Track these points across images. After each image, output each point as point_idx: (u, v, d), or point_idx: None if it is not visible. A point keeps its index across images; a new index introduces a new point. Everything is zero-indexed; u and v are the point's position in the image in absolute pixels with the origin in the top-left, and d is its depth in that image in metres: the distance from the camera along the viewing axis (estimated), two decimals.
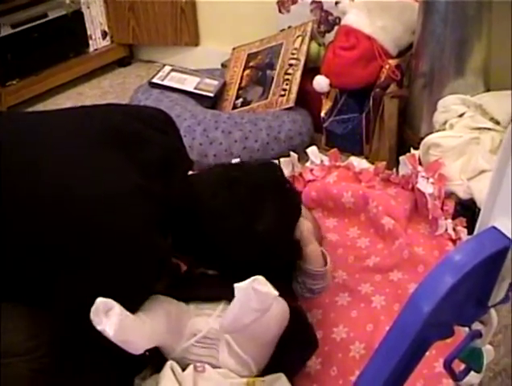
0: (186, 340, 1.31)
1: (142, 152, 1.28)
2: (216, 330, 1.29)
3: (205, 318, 1.32)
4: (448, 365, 0.96)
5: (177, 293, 1.35)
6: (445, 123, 2.00)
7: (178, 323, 1.30)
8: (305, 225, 1.48)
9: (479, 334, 0.98)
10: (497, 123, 1.95)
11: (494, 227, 0.89)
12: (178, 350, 1.30)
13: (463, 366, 1.01)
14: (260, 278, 1.18)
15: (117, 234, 1.18)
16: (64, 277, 1.17)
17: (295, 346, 1.36)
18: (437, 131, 2.02)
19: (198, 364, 1.29)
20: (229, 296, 1.25)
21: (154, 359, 1.32)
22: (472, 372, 1.02)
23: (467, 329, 0.98)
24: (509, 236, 0.87)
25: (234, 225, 1.35)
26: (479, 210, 1.74)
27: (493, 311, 0.97)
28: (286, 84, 2.49)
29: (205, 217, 1.37)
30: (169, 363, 1.29)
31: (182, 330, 1.31)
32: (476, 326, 0.97)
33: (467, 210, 1.80)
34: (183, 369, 1.29)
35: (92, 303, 1.12)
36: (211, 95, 2.63)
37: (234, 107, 2.62)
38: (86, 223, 1.16)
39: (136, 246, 1.19)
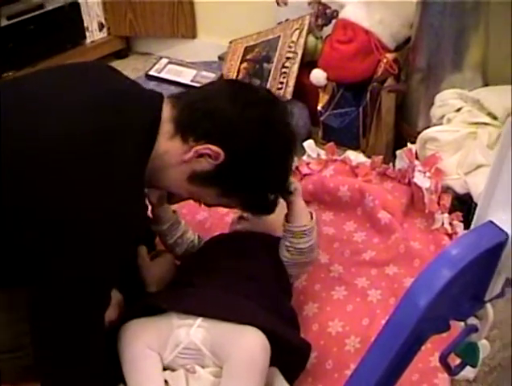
0: (170, 352, 1.33)
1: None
2: (196, 341, 1.32)
3: (186, 329, 1.33)
4: (443, 359, 0.96)
5: (160, 303, 1.38)
6: (442, 117, 2.00)
7: (162, 337, 1.34)
8: (298, 183, 1.52)
9: (475, 329, 0.98)
10: (495, 118, 1.94)
11: (491, 222, 0.89)
12: (164, 362, 1.33)
13: (458, 360, 1.01)
14: None
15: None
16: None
17: (286, 363, 1.38)
18: (434, 125, 2.01)
19: (188, 366, 1.30)
20: (207, 312, 1.32)
21: None
22: (467, 367, 1.02)
23: (463, 323, 0.98)
24: (506, 230, 0.87)
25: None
26: (475, 204, 1.76)
27: (489, 306, 0.97)
28: (284, 78, 2.48)
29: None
30: None
31: (166, 343, 1.33)
32: (472, 320, 0.97)
33: (463, 204, 1.80)
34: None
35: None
36: None
37: None
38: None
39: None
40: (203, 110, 1.31)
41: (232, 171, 1.33)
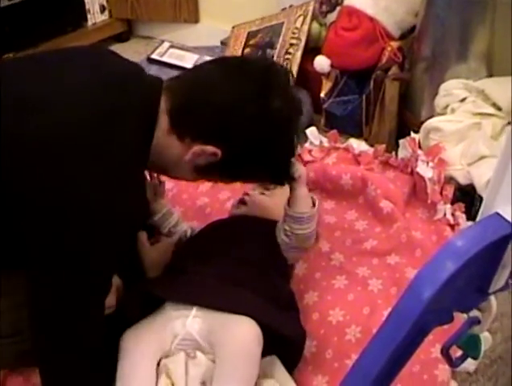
0: (169, 344, 1.33)
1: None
2: (192, 332, 1.32)
3: (183, 320, 1.34)
4: (445, 351, 0.96)
5: (155, 291, 1.38)
6: (446, 107, 1.99)
7: (161, 337, 1.34)
8: (303, 169, 1.50)
9: (477, 321, 0.97)
10: (499, 109, 1.93)
11: (498, 214, 0.88)
12: (163, 354, 1.33)
13: (459, 352, 1.00)
14: None
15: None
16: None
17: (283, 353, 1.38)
18: (438, 115, 2.00)
19: (189, 350, 1.30)
20: (203, 302, 1.33)
21: None
22: (468, 359, 1.02)
23: (465, 315, 0.97)
24: None
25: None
26: (478, 196, 1.75)
27: (492, 298, 0.96)
28: (287, 64, 2.46)
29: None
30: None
31: (164, 339, 1.34)
32: (474, 312, 0.97)
33: (466, 195, 1.79)
34: None
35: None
36: None
37: None
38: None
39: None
40: (197, 107, 1.29)
41: (234, 162, 1.33)
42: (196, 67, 1.47)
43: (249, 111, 1.28)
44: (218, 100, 1.28)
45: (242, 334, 1.27)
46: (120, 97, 1.24)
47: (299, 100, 1.39)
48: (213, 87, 1.30)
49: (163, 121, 1.28)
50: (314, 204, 1.52)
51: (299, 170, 1.48)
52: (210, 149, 1.29)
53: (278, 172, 1.43)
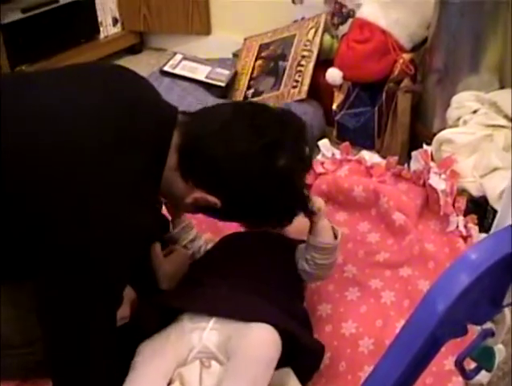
0: (185, 357, 1.33)
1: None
2: (209, 345, 1.32)
3: (199, 333, 1.33)
4: (459, 363, 0.95)
5: (172, 303, 1.39)
6: (458, 119, 1.99)
7: (176, 343, 1.34)
8: (322, 202, 1.49)
9: (491, 333, 0.97)
10: (511, 120, 1.93)
11: None
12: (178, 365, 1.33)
13: (473, 364, 1.00)
14: None
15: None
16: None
17: (300, 364, 1.37)
18: (450, 127, 2.00)
19: (204, 359, 1.30)
20: (220, 312, 1.32)
21: None
22: (482, 371, 1.01)
23: (478, 327, 0.97)
24: None
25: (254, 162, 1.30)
26: (491, 207, 1.75)
27: (506, 310, 0.96)
28: (299, 76, 2.48)
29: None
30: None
31: (179, 349, 1.33)
32: (488, 324, 0.97)
33: (478, 207, 1.79)
34: None
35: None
36: (222, 84, 2.61)
37: (245, 97, 2.61)
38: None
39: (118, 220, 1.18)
40: (203, 157, 1.30)
41: (235, 212, 1.38)
42: (210, 109, 1.44)
43: (253, 168, 1.29)
44: (224, 153, 1.29)
45: (259, 337, 1.27)
46: (130, 126, 1.24)
47: (309, 154, 1.40)
48: (220, 136, 1.30)
49: (172, 157, 1.30)
50: (336, 236, 1.50)
51: (318, 202, 1.47)
52: (211, 198, 1.31)
53: (283, 219, 1.45)
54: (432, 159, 1.89)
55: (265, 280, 1.46)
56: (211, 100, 2.44)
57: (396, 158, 1.98)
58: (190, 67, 2.68)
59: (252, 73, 2.66)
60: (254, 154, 1.28)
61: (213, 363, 1.30)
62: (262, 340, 1.27)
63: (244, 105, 1.52)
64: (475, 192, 1.82)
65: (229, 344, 1.30)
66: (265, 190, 1.32)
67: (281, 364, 1.30)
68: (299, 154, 1.35)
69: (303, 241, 1.57)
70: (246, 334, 1.27)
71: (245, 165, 1.29)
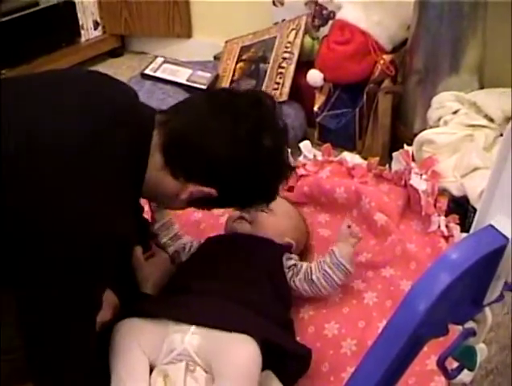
0: (164, 357, 1.33)
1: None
2: (189, 349, 1.31)
3: (182, 336, 1.33)
4: (441, 363, 0.95)
5: (155, 310, 1.38)
6: (439, 120, 2.00)
7: (157, 341, 1.34)
8: (349, 250, 1.58)
9: (473, 333, 0.97)
10: (491, 120, 1.94)
11: (491, 226, 0.89)
12: (158, 366, 1.33)
13: (455, 364, 1.00)
14: None
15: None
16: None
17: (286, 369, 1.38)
18: (431, 128, 2.01)
19: (191, 363, 1.30)
20: (201, 321, 1.33)
21: None
22: (464, 370, 1.02)
23: (460, 327, 0.98)
24: (506, 234, 0.87)
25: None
26: (472, 207, 1.76)
27: (487, 310, 0.96)
28: (280, 78, 2.48)
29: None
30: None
31: (160, 348, 1.33)
32: (470, 324, 0.97)
33: (460, 207, 1.80)
34: None
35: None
36: (203, 87, 2.61)
37: None
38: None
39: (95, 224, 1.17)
40: (188, 150, 1.30)
41: (230, 197, 1.37)
42: (186, 103, 1.44)
43: (240, 153, 1.29)
44: (209, 142, 1.29)
45: (242, 355, 1.27)
46: (106, 131, 1.22)
47: (285, 129, 1.41)
48: (203, 128, 1.30)
49: (156, 157, 1.29)
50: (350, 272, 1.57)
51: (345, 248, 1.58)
52: (206, 189, 1.31)
53: (274, 193, 1.44)
54: (413, 160, 1.89)
55: (250, 286, 1.46)
56: None
57: (377, 158, 1.98)
58: (171, 70, 2.68)
59: (233, 76, 2.66)
60: (242, 139, 1.29)
61: (198, 368, 1.30)
62: (246, 358, 1.27)
63: (218, 93, 1.52)
64: (456, 192, 1.83)
65: (210, 356, 1.30)
66: (258, 170, 1.32)
67: (263, 368, 1.30)
68: (280, 129, 1.37)
69: (291, 245, 1.60)
70: (229, 351, 1.27)
71: (234, 151, 1.29)
